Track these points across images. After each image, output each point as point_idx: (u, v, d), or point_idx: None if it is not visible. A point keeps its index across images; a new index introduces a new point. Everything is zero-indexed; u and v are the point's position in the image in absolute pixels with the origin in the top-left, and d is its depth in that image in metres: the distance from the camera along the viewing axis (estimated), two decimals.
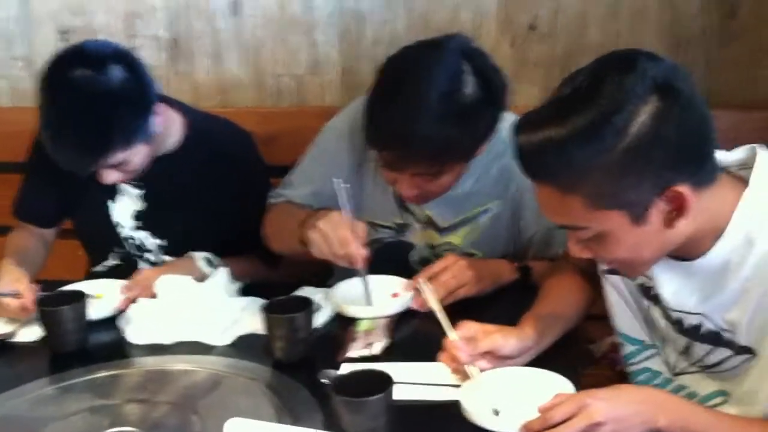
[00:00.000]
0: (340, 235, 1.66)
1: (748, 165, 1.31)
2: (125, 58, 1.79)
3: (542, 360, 1.49)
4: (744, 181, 1.29)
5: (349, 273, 1.80)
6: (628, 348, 1.54)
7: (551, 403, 1.26)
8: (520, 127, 1.25)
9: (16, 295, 1.74)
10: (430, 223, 1.91)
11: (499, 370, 1.44)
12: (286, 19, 2.55)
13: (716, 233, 1.27)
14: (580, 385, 1.38)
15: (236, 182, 2.00)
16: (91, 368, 1.59)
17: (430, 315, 1.70)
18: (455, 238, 1.91)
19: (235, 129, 2.07)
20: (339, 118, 1.98)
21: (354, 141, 1.90)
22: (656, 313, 1.44)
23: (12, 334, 1.73)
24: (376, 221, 1.96)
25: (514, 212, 1.88)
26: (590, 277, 1.61)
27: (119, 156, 1.78)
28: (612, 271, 1.50)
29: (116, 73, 1.74)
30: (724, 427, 1.28)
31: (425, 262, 1.88)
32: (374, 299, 1.75)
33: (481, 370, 1.43)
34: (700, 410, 1.31)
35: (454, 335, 1.45)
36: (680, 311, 1.37)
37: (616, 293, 1.51)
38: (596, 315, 1.61)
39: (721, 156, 1.30)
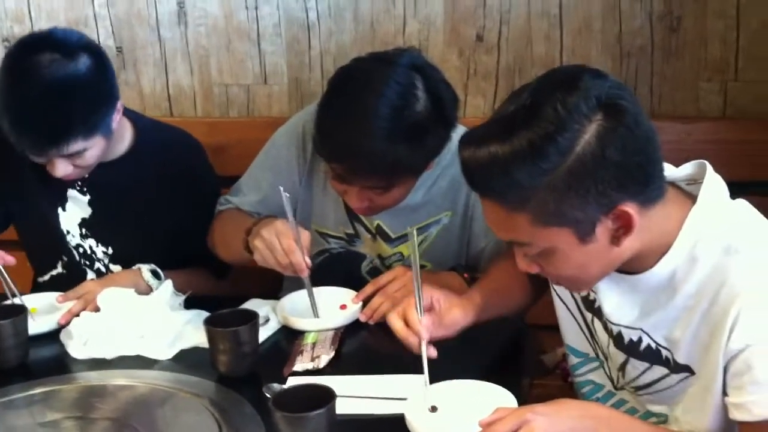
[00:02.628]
0: (284, 243, 1.65)
1: (696, 180, 1.31)
2: (93, 49, 1.79)
3: (491, 370, 1.49)
4: (691, 197, 1.30)
5: (297, 286, 1.79)
6: (573, 359, 1.55)
7: (492, 417, 1.25)
8: (464, 143, 1.24)
9: None
10: (380, 234, 1.91)
11: (445, 384, 1.43)
12: (232, 29, 2.53)
13: (662, 249, 1.28)
14: (530, 395, 1.39)
15: (185, 191, 1.98)
16: (32, 384, 1.56)
17: (377, 327, 1.71)
18: (405, 249, 1.91)
19: (184, 137, 2.06)
20: (289, 125, 1.96)
21: (303, 150, 1.89)
22: (598, 326, 1.44)
23: None
24: (326, 231, 1.95)
25: (465, 224, 1.88)
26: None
27: (79, 145, 1.75)
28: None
29: (84, 60, 1.74)
30: None
31: (376, 272, 1.88)
32: (322, 311, 1.74)
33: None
34: (640, 425, 1.31)
35: (425, 319, 1.43)
36: (620, 325, 1.37)
37: (563, 305, 1.52)
38: (548, 325, 1.62)
39: (669, 170, 1.31)
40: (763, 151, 2.10)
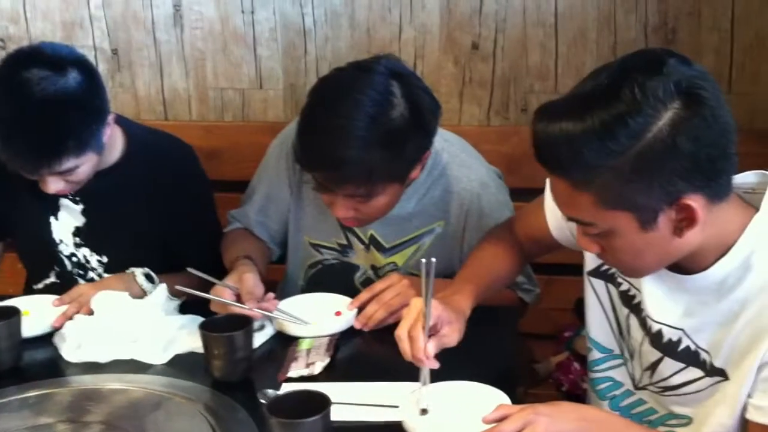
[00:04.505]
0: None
1: (757, 190, 1.30)
2: (83, 64, 1.77)
3: (484, 379, 1.48)
4: (752, 206, 1.29)
5: (292, 292, 1.80)
6: (596, 354, 1.55)
7: (496, 414, 1.27)
8: (538, 116, 1.22)
9: None
10: (373, 244, 1.91)
11: (438, 385, 1.44)
12: (228, 33, 2.53)
13: (719, 251, 1.27)
14: (524, 404, 1.39)
15: (178, 197, 1.97)
16: (24, 387, 1.55)
17: (372, 334, 1.71)
18: (399, 259, 1.91)
19: (176, 143, 2.05)
20: (280, 137, 1.98)
21: (293, 161, 1.90)
22: (634, 323, 1.44)
23: None
24: (319, 242, 1.96)
25: (458, 234, 1.88)
26: (522, 249, 1.68)
27: (71, 162, 1.75)
28: (596, 274, 1.51)
29: (74, 76, 1.72)
30: None
31: (369, 283, 1.87)
32: (317, 318, 1.74)
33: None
34: (637, 429, 1.33)
35: (430, 347, 1.42)
36: (662, 323, 1.37)
37: (595, 297, 1.52)
38: (541, 334, 1.62)
39: None
40: (756, 163, 2.11)
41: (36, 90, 1.68)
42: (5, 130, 1.71)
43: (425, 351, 1.40)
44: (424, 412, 1.39)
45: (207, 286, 1.74)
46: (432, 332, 1.43)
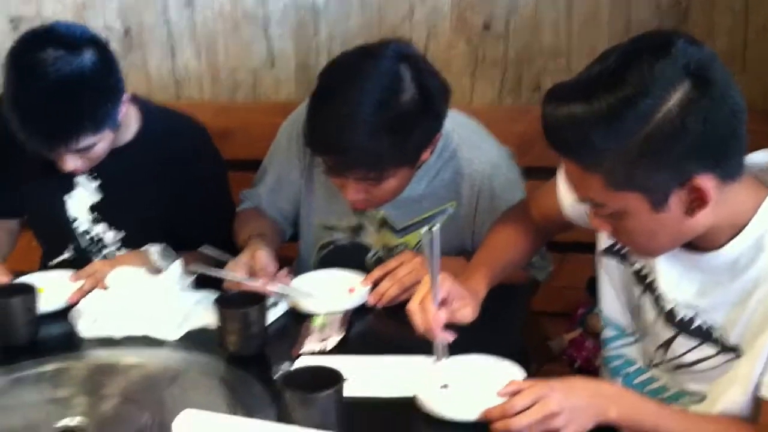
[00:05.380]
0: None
1: None
2: (97, 43, 1.77)
3: (495, 354, 1.49)
4: (765, 186, 1.29)
5: (305, 271, 1.81)
6: (608, 333, 1.56)
7: (509, 389, 1.29)
8: (548, 99, 1.23)
9: None
10: (385, 225, 1.92)
11: (453, 360, 1.45)
12: (239, 12, 2.53)
13: (733, 230, 1.27)
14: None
15: (191, 175, 1.98)
16: (41, 361, 1.57)
17: (385, 310, 1.72)
18: (412, 239, 1.92)
19: (190, 122, 2.06)
20: (291, 118, 1.98)
21: (303, 144, 1.90)
22: (647, 301, 1.45)
23: None
24: (330, 223, 1.96)
25: (470, 215, 1.88)
26: (538, 229, 1.68)
27: (88, 140, 1.76)
28: (609, 253, 1.51)
29: (89, 56, 1.73)
30: (675, 422, 1.31)
31: (381, 263, 1.89)
32: (330, 294, 1.75)
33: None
34: (651, 404, 1.33)
35: (441, 314, 1.44)
36: (676, 301, 1.37)
37: (608, 276, 1.52)
38: (554, 312, 1.63)
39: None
40: None
41: (51, 70, 1.69)
42: (22, 110, 1.72)
43: (436, 319, 1.41)
44: (442, 387, 1.39)
45: (220, 265, 1.75)
46: (443, 306, 1.44)
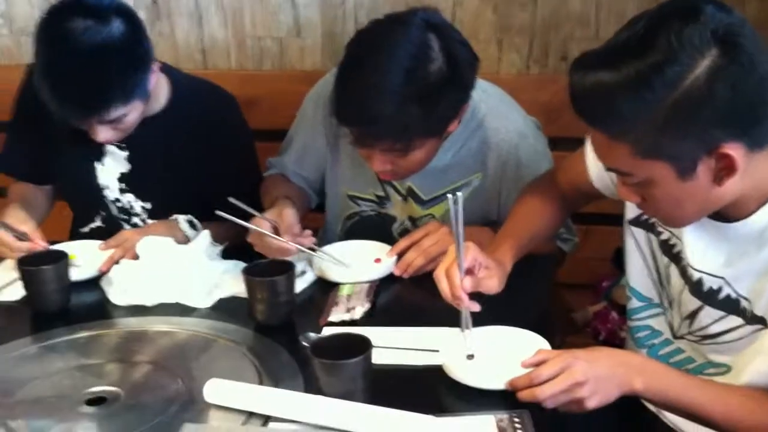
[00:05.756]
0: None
1: None
2: (125, 13, 1.78)
3: (519, 326, 1.50)
4: None
5: (331, 241, 1.82)
6: (635, 303, 1.56)
7: (535, 359, 1.30)
8: (575, 67, 1.22)
9: (23, 236, 1.75)
10: (411, 196, 1.92)
11: (479, 330, 1.46)
12: None
13: (760, 200, 1.26)
14: None
15: (220, 145, 1.99)
16: (74, 328, 1.59)
17: (411, 280, 1.73)
18: (438, 210, 1.92)
19: (219, 92, 2.06)
20: (317, 87, 1.97)
21: (329, 114, 1.90)
22: (674, 271, 1.44)
23: None
24: (356, 194, 1.97)
25: (496, 185, 1.88)
26: (565, 200, 1.69)
27: (119, 111, 1.77)
28: (636, 223, 1.51)
29: (117, 25, 1.74)
30: (700, 391, 1.31)
31: (407, 234, 1.89)
32: (356, 264, 1.76)
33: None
34: (675, 374, 1.34)
35: (466, 281, 1.44)
36: (703, 272, 1.37)
37: (636, 246, 1.52)
38: (578, 284, 1.63)
39: None
40: None
41: (80, 40, 1.70)
42: (53, 81, 1.73)
43: (462, 286, 1.42)
44: (469, 357, 1.41)
45: (246, 218, 1.74)
46: (469, 274, 1.45)
